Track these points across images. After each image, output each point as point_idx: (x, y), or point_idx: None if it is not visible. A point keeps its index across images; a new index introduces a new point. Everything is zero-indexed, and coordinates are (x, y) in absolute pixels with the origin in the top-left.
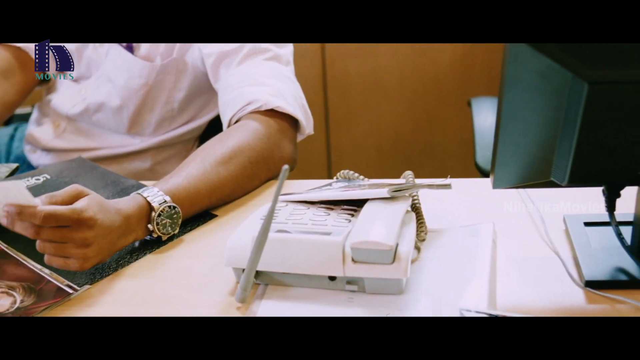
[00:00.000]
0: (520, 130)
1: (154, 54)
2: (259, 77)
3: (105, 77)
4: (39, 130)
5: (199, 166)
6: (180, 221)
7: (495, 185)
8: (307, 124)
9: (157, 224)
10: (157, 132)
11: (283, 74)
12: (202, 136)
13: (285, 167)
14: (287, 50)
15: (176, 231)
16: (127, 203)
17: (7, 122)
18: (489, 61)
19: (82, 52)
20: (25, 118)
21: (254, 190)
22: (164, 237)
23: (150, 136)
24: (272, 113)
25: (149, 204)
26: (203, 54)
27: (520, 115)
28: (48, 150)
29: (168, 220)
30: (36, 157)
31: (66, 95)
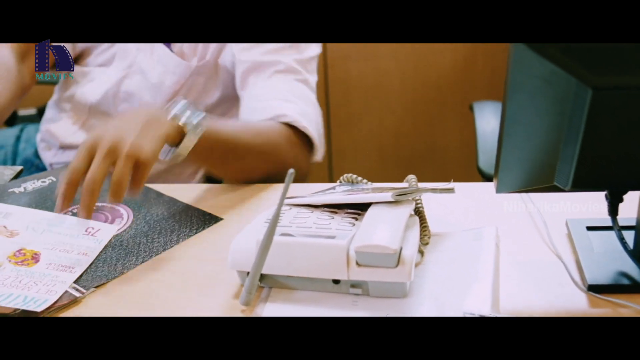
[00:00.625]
0: (524, 135)
1: (190, 53)
2: (288, 95)
3: (137, 67)
4: (57, 126)
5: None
6: (202, 120)
7: (499, 190)
8: (319, 152)
9: (175, 116)
10: None
11: (310, 98)
12: None
13: (291, 171)
14: (314, 78)
15: (200, 130)
16: None
17: (12, 123)
18: (490, 65)
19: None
20: (30, 119)
21: (266, 175)
22: (190, 134)
23: None
24: (294, 130)
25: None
26: (236, 59)
27: (524, 120)
28: (65, 147)
29: (188, 110)
30: (51, 155)
31: (92, 84)
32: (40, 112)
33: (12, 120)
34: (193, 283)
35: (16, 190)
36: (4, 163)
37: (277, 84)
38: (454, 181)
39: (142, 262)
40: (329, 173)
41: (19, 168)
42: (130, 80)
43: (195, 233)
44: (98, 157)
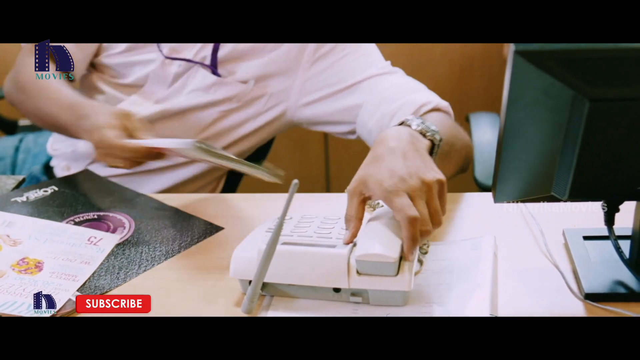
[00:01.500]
0: (522, 145)
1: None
2: (415, 86)
3: (182, 91)
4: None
5: None
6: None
7: (497, 200)
8: None
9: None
10: None
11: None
12: None
13: (295, 181)
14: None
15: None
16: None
17: (12, 133)
18: (487, 76)
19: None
20: (31, 129)
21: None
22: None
23: None
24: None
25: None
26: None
27: (522, 131)
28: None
29: (424, 123)
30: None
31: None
32: None
33: (13, 129)
34: (195, 291)
35: (18, 199)
36: (3, 174)
37: (398, 80)
38: (450, 191)
39: (144, 270)
40: (326, 184)
41: (20, 177)
42: (171, 101)
43: (197, 242)
44: (420, 201)
